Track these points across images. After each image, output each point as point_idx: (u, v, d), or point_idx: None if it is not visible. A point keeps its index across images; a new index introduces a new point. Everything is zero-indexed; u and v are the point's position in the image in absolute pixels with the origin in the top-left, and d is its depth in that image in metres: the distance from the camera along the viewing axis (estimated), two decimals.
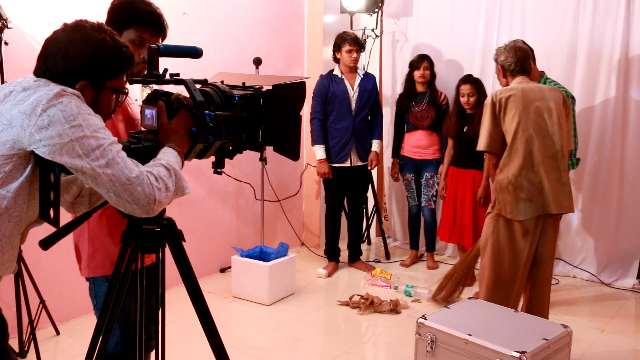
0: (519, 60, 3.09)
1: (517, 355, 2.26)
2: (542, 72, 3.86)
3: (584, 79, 4.41)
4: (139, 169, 1.41)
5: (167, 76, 1.61)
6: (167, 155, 1.51)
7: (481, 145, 3.08)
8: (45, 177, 1.39)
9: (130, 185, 1.37)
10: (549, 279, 3.15)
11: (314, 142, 4.54)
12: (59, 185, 1.41)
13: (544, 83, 3.78)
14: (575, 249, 4.61)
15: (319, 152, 4.51)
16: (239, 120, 1.68)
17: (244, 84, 1.77)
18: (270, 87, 1.77)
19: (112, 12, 2.01)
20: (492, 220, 3.05)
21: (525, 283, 3.10)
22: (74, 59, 1.45)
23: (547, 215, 3.01)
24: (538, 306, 3.10)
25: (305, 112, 4.64)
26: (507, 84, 3.16)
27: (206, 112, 1.60)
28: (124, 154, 1.42)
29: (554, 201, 2.97)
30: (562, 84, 4.27)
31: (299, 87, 1.83)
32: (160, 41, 2.03)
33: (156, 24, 2.00)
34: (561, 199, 3.00)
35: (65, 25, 1.51)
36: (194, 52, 1.71)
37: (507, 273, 3.01)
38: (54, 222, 1.42)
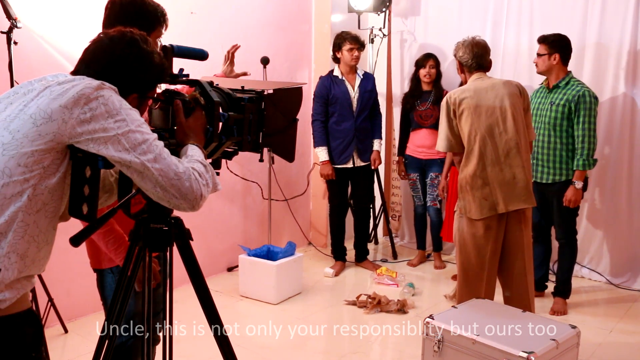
0: (475, 56, 3.14)
1: (525, 355, 2.25)
2: (569, 71, 3.84)
3: (592, 76, 4.37)
4: (183, 165, 1.42)
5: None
6: (197, 153, 1.53)
7: (440, 146, 3.21)
8: (79, 172, 1.38)
9: (178, 181, 1.39)
10: (524, 272, 3.16)
11: (316, 144, 4.54)
12: (98, 179, 1.41)
13: (568, 82, 3.76)
14: (583, 249, 4.58)
15: (322, 153, 4.51)
16: (247, 121, 1.72)
17: (243, 87, 1.81)
18: (271, 91, 1.81)
19: (120, 10, 2.02)
20: (457, 218, 3.18)
21: (495, 277, 3.18)
22: (129, 73, 1.47)
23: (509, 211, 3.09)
24: (518, 300, 3.13)
25: (306, 114, 4.63)
26: (466, 80, 3.21)
27: (221, 112, 1.64)
28: (167, 150, 1.43)
29: (508, 199, 3.04)
30: None
31: (296, 92, 1.89)
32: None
33: (163, 22, 2.05)
34: (514, 196, 3.05)
35: (110, 35, 1.50)
36: (201, 55, 1.75)
37: (474, 268, 3.12)
38: (89, 217, 1.40)
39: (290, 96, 1.89)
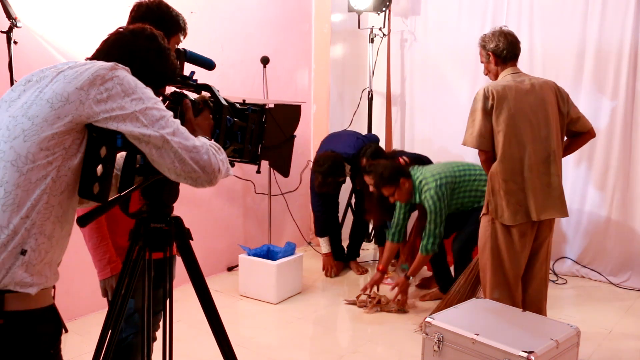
0: (510, 44, 2.96)
1: (525, 355, 2.25)
2: None
3: (593, 78, 4.38)
4: (200, 140, 1.45)
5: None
6: (208, 140, 1.54)
7: (469, 142, 2.95)
8: (93, 152, 1.38)
9: (197, 154, 1.40)
10: (545, 278, 3.13)
11: (318, 234, 4.56)
12: (114, 159, 1.41)
13: None
14: (583, 249, 4.59)
15: (324, 245, 4.55)
16: (249, 130, 1.76)
17: (244, 101, 1.84)
18: (272, 106, 1.86)
19: (145, 11, 2.07)
20: (488, 223, 3.00)
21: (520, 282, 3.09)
22: (147, 66, 1.49)
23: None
24: (536, 305, 3.07)
25: (305, 114, 4.61)
26: (497, 73, 3.03)
27: (227, 117, 1.67)
28: (183, 127, 1.44)
29: (543, 207, 2.93)
30: (571, 83, 4.27)
31: (295, 109, 1.94)
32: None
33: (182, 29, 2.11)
34: (549, 204, 2.95)
35: (130, 29, 1.53)
36: (209, 65, 1.81)
37: (509, 274, 2.98)
38: (99, 197, 1.40)
39: (289, 112, 1.93)
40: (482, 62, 3.10)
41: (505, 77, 2.98)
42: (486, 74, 3.12)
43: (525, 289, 3.11)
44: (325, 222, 4.58)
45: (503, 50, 2.97)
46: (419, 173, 3.76)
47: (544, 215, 2.94)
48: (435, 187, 3.64)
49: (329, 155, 4.24)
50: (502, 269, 2.98)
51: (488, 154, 2.96)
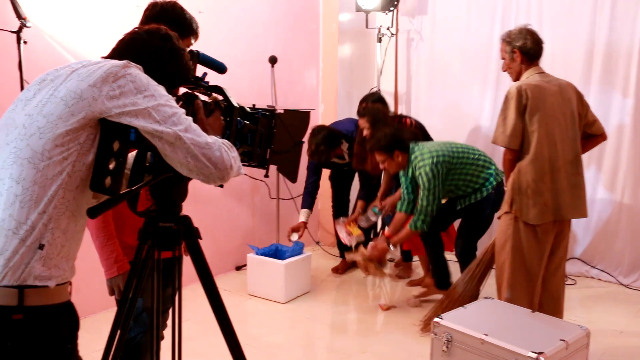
0: (536, 43, 2.94)
1: (534, 355, 2.24)
2: None
3: (602, 77, 4.36)
4: (212, 138, 1.46)
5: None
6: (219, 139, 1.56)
7: (500, 140, 2.92)
8: (106, 146, 1.40)
9: (209, 150, 1.42)
10: (563, 276, 3.14)
11: (302, 206, 4.51)
12: (127, 153, 1.43)
13: None
14: (593, 250, 4.56)
15: (302, 216, 4.49)
16: (259, 133, 1.77)
17: (254, 105, 1.85)
18: (281, 111, 1.87)
19: (160, 11, 2.08)
20: (510, 221, 2.96)
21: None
22: (161, 66, 1.51)
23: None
24: (555, 301, 3.07)
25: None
26: (519, 71, 2.99)
27: (238, 119, 1.69)
28: (196, 124, 1.46)
29: (570, 207, 2.94)
30: (580, 83, 4.23)
31: (303, 116, 1.94)
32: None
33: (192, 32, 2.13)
34: (577, 204, 2.97)
35: (145, 29, 1.55)
36: (220, 68, 1.83)
37: (530, 272, 2.97)
38: (111, 190, 1.41)
39: (298, 119, 1.94)
40: (502, 58, 3.05)
41: (533, 76, 2.95)
42: (505, 71, 3.07)
43: (545, 287, 3.10)
44: (307, 195, 4.49)
45: (530, 48, 2.93)
46: (417, 148, 3.68)
47: (570, 215, 2.96)
48: (430, 163, 3.55)
49: (325, 127, 4.24)
50: (523, 267, 2.97)
51: (516, 153, 2.93)
